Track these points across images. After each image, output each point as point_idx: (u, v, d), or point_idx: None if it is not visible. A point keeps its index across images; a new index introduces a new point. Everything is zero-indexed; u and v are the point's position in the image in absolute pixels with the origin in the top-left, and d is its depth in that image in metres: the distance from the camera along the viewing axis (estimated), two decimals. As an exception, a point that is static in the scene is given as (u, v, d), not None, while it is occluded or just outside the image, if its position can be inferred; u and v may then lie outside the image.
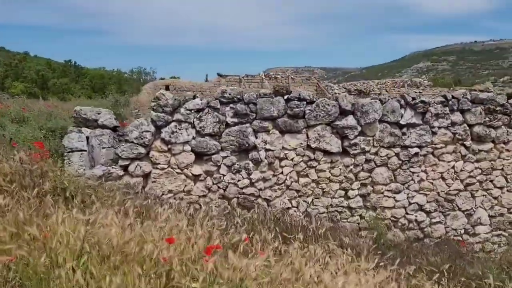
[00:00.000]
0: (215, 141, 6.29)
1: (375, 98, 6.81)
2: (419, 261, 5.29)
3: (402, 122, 6.79)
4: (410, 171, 6.93)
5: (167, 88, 23.49)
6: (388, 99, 6.78)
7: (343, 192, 6.77)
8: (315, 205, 6.67)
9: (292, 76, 24.25)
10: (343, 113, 6.61)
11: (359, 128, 6.65)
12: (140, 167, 6.04)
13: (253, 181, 6.46)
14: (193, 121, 6.19)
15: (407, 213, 7.03)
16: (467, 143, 7.06)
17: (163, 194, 6.07)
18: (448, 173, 7.06)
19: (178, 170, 6.19)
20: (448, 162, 7.05)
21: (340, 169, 6.70)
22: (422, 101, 6.78)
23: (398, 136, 6.79)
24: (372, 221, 6.72)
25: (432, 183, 7.04)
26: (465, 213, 7.24)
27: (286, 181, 6.58)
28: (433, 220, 7.13)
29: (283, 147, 6.51)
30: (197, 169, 6.28)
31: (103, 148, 6.37)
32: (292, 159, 6.56)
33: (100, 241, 3.41)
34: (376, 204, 6.87)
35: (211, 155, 6.30)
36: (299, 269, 3.76)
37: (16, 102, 12.79)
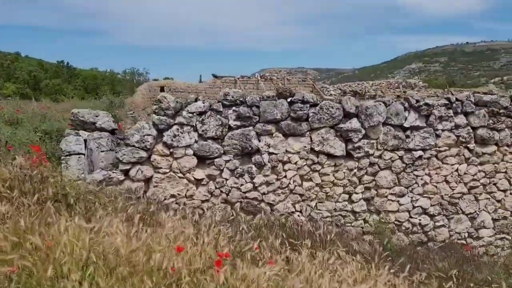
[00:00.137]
0: (218, 145, 6.17)
1: (379, 100, 6.73)
2: (427, 266, 5.21)
3: (406, 125, 6.72)
4: (414, 174, 6.86)
5: (162, 89, 23.33)
6: (392, 102, 6.70)
7: (347, 196, 6.68)
8: (319, 209, 6.58)
9: (287, 78, 24.16)
10: (347, 116, 6.52)
11: (363, 131, 6.56)
12: (142, 172, 5.91)
13: (256, 185, 6.34)
14: (195, 124, 6.07)
15: (411, 217, 6.96)
16: (471, 146, 7.01)
17: (165, 199, 5.94)
18: (451, 176, 7.00)
19: (180, 175, 6.06)
20: (452, 165, 6.99)
21: (344, 172, 6.61)
22: (426, 104, 6.71)
23: (402, 139, 6.72)
24: (376, 225, 6.64)
25: (436, 186, 6.97)
26: (469, 216, 7.18)
27: (290, 185, 6.47)
28: (437, 224, 7.06)
29: (286, 151, 6.40)
30: (199, 173, 6.15)
31: (102, 151, 6.23)
32: (295, 163, 6.45)
33: (105, 250, 3.28)
34: (380, 208, 6.79)
35: (214, 159, 6.18)
36: (311, 279, 3.67)
37: (10, 103, 12.59)
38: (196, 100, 6.13)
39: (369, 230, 6.70)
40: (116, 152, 5.97)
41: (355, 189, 6.69)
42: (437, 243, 6.99)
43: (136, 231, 3.79)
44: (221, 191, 6.26)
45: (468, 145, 7.00)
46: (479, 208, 7.21)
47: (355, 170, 6.65)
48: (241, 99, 6.21)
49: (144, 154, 5.91)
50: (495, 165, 7.15)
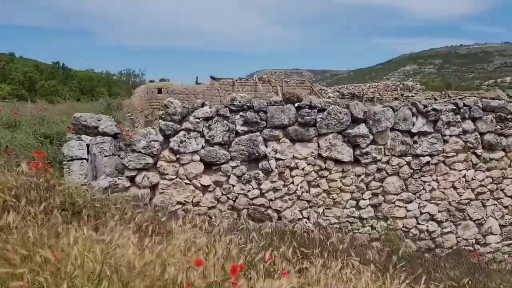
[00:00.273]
0: (225, 151, 6.07)
1: (386, 105, 6.66)
2: (439, 275, 5.13)
3: (414, 130, 6.65)
4: (422, 180, 6.79)
5: (159, 91, 23.18)
6: (400, 107, 6.63)
7: (354, 202, 6.60)
8: (326, 216, 6.49)
9: (286, 80, 24.07)
10: (355, 121, 6.45)
11: (371, 137, 6.49)
12: (148, 178, 5.79)
13: (263, 191, 6.25)
14: (202, 129, 5.96)
15: (418, 223, 6.89)
16: (478, 151, 6.95)
17: (171, 205, 5.83)
18: (459, 182, 6.94)
19: (187, 181, 5.95)
20: (459, 171, 6.93)
21: (352, 178, 6.53)
22: (434, 109, 6.65)
23: (410, 145, 6.65)
24: (384, 231, 6.56)
25: (443, 192, 6.91)
26: (476, 222, 7.12)
27: (297, 191, 6.38)
28: (444, 230, 6.99)
29: (293, 156, 6.31)
30: (206, 180, 6.05)
31: (105, 156, 6.12)
32: (303, 169, 6.36)
33: (117, 263, 3.17)
34: (388, 214, 6.71)
35: (221, 165, 6.08)
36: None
37: (7, 105, 12.41)
38: (202, 105, 6.03)
39: (377, 237, 6.62)
40: (121, 158, 5.85)
41: (362, 195, 6.62)
42: (445, 250, 6.93)
43: (149, 242, 3.69)
44: (228, 198, 6.16)
45: (475, 151, 6.94)
46: (486, 214, 7.15)
47: (362, 176, 6.57)
48: (248, 104, 6.12)
49: (150, 160, 5.80)
50: (503, 170, 7.10)
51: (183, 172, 5.93)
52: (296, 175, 6.36)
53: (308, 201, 6.44)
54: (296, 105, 6.27)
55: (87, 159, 6.06)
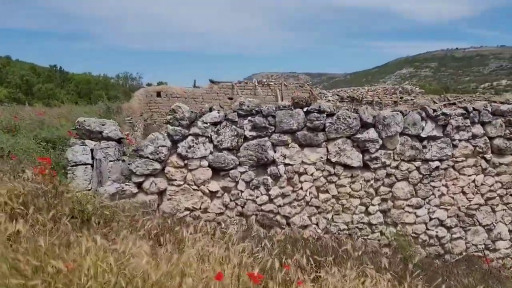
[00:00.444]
0: (233, 156, 5.97)
1: (395, 110, 6.58)
2: (454, 283, 5.04)
3: (423, 135, 6.57)
4: (431, 185, 6.71)
5: (158, 94, 23.08)
6: (409, 112, 6.56)
7: (363, 208, 6.51)
8: (335, 222, 6.39)
9: (285, 83, 24.00)
10: (364, 126, 6.36)
11: (380, 142, 6.40)
12: (155, 184, 5.68)
13: (272, 197, 6.15)
14: (210, 135, 5.86)
15: (427, 229, 6.81)
16: (488, 156, 6.89)
17: (178, 211, 5.72)
18: (468, 187, 6.87)
19: (195, 187, 5.84)
20: (469, 176, 6.85)
21: (361, 183, 6.44)
22: (443, 113, 6.58)
23: (419, 150, 6.58)
24: (393, 237, 6.47)
25: (452, 198, 6.83)
26: (486, 228, 7.05)
27: (306, 197, 6.28)
28: (454, 236, 6.91)
29: (302, 162, 6.22)
30: (214, 185, 5.94)
31: (110, 161, 6.01)
32: (311, 174, 6.27)
33: (132, 273, 3.06)
34: (397, 220, 6.63)
35: (229, 170, 5.98)
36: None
37: (6, 109, 12.27)
38: (210, 109, 5.94)
39: (386, 243, 6.53)
40: (128, 164, 5.74)
41: (371, 200, 6.53)
42: (454, 256, 6.85)
43: (164, 251, 3.59)
44: (236, 204, 6.06)
45: (485, 156, 6.88)
46: (496, 220, 7.08)
47: (372, 181, 6.49)
48: (256, 108, 6.02)
49: (158, 165, 5.69)
50: (512, 175, 7.03)
51: (191, 178, 5.83)
52: (305, 181, 6.27)
53: (317, 207, 6.34)
54: (305, 109, 6.18)
55: (91, 164, 5.95)
